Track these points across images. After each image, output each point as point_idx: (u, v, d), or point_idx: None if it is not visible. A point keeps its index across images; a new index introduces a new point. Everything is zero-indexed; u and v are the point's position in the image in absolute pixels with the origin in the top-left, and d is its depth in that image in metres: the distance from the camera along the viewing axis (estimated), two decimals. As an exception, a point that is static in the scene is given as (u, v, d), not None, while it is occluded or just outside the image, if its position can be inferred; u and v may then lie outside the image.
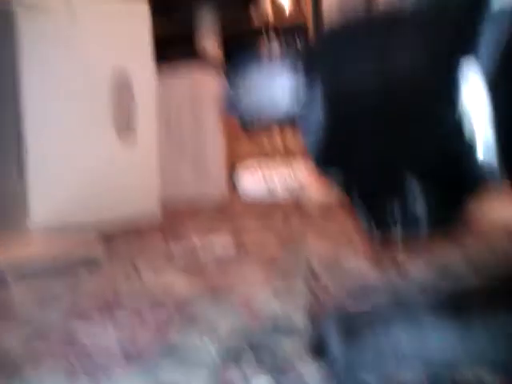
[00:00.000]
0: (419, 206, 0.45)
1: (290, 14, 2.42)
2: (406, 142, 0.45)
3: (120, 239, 1.19)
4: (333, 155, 0.49)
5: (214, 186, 1.80)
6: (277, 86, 0.50)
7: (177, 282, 0.80)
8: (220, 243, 1.07)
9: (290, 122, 0.52)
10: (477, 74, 0.41)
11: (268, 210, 1.63)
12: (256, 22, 2.46)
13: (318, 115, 0.48)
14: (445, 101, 0.42)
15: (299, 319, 0.60)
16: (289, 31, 2.40)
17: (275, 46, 2.45)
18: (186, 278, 0.82)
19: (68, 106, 1.35)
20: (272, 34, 2.45)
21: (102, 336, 0.59)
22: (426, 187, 0.45)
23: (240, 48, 2.62)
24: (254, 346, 0.53)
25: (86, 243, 1.09)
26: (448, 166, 0.44)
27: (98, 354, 0.54)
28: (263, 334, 0.56)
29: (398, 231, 0.47)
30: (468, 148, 0.41)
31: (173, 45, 2.42)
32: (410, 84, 0.44)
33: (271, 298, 0.69)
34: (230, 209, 1.68)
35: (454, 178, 0.45)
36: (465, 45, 0.41)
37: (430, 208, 0.45)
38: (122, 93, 1.45)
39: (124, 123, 1.45)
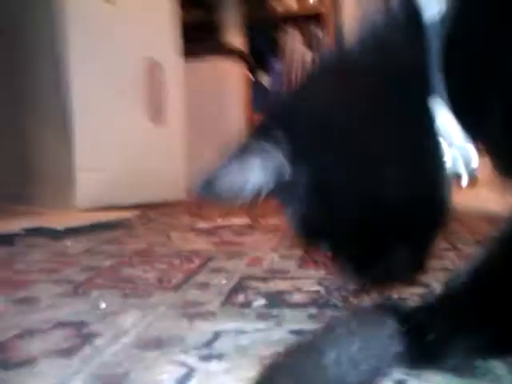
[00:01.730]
0: (398, 262, 0.49)
1: (311, 3, 2.46)
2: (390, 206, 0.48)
3: (154, 217, 1.38)
4: (318, 230, 0.51)
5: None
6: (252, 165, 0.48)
7: (202, 247, 0.99)
8: (238, 222, 1.25)
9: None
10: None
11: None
12: (277, 10, 2.51)
13: (301, 197, 0.49)
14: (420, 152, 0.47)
15: (293, 270, 0.79)
16: (308, 20, 2.49)
17: (296, 35, 2.55)
18: (209, 245, 1.01)
19: (108, 95, 1.54)
20: (292, 23, 2.50)
21: (143, 275, 0.78)
22: (405, 247, 0.49)
23: (262, 38, 2.74)
24: (256, 285, 0.71)
25: (123, 212, 1.29)
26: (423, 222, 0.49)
27: (141, 284, 0.73)
28: (264, 277, 0.75)
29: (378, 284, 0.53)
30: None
31: (199, 35, 2.59)
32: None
33: (275, 258, 0.87)
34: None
35: (428, 230, 0.50)
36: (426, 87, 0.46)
37: (407, 261, 0.50)
38: (153, 81, 1.63)
39: (155, 108, 1.64)
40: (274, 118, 0.51)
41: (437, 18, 0.46)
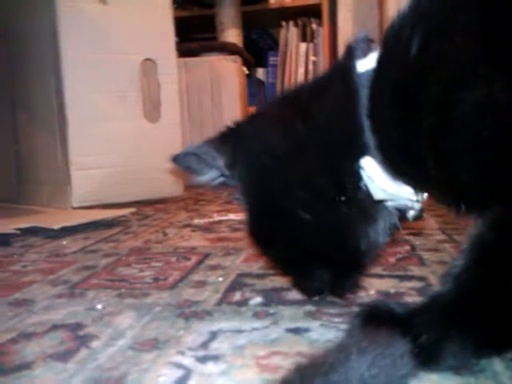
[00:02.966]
0: (324, 283, 0.59)
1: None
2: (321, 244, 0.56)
3: (150, 214, 1.38)
4: (263, 239, 0.61)
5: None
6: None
7: (199, 244, 0.98)
8: (234, 217, 1.25)
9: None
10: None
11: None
12: (273, 4, 2.50)
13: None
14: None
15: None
16: (304, 12, 2.47)
17: (291, 28, 2.54)
18: (206, 242, 1.00)
19: (103, 94, 1.53)
20: (287, 16, 2.49)
21: (139, 273, 0.78)
22: (329, 270, 0.58)
23: (258, 32, 2.76)
24: (252, 282, 0.71)
25: (119, 210, 1.28)
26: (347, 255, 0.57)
27: (137, 283, 0.73)
28: (261, 274, 0.74)
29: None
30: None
31: (196, 32, 2.58)
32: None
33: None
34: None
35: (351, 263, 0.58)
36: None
37: (331, 284, 0.59)
38: (148, 79, 1.63)
39: (151, 106, 1.63)
40: (230, 136, 0.61)
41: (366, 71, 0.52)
